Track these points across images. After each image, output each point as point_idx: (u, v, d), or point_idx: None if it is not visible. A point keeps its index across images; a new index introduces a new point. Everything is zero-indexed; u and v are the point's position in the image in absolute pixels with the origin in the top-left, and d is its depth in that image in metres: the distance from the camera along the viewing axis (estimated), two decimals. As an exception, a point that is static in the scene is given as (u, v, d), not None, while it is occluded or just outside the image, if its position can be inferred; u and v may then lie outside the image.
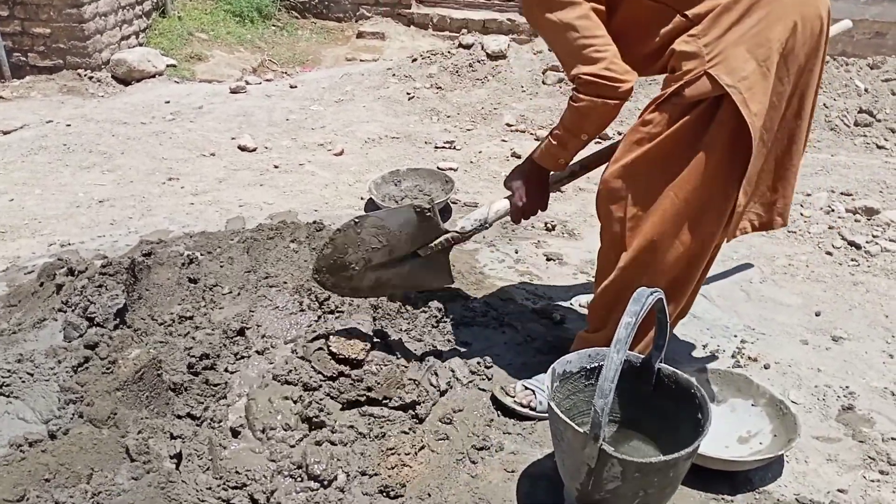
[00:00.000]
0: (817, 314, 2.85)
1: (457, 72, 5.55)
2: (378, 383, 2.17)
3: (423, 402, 2.19)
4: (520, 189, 2.21)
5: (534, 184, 2.20)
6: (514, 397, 2.24)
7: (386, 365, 2.22)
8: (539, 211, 2.25)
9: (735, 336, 2.70)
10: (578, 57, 1.90)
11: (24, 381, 2.14)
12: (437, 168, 4.08)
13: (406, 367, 2.24)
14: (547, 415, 1.99)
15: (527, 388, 2.26)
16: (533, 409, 2.22)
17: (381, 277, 2.32)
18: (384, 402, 2.16)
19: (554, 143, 2.04)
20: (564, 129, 2.01)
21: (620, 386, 1.73)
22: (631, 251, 2.00)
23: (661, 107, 1.89)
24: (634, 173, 1.95)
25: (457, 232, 2.29)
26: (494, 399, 2.27)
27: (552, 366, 1.91)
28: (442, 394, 2.29)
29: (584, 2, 1.91)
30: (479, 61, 5.60)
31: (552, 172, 2.20)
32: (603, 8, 1.95)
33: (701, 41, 1.84)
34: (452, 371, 2.38)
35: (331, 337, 2.26)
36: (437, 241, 2.28)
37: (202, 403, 2.16)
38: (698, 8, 1.87)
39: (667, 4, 1.91)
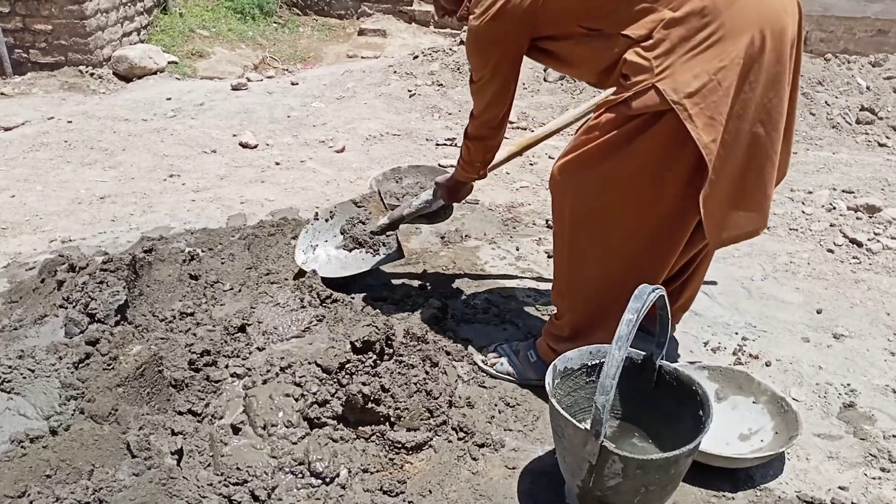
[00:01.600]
0: (819, 312, 2.84)
1: (458, 69, 5.55)
2: (402, 415, 2.10)
3: (439, 434, 2.16)
4: (448, 195, 2.71)
5: (459, 191, 2.70)
6: (484, 359, 2.44)
7: (412, 395, 2.14)
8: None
9: (736, 333, 2.69)
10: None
11: (25, 378, 2.15)
12: (439, 165, 4.07)
13: (429, 392, 2.17)
14: (508, 377, 2.38)
15: (495, 351, 2.46)
16: (492, 368, 2.41)
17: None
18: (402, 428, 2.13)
19: (462, 167, 2.51)
20: (464, 159, 2.47)
21: (622, 383, 1.73)
22: (577, 244, 2.10)
23: (609, 111, 1.92)
24: (574, 170, 2.02)
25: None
26: (472, 361, 2.46)
27: (553, 362, 1.91)
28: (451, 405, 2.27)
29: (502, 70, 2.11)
30: (480, 58, 5.60)
31: None
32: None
33: (651, 53, 1.83)
34: (454, 367, 2.38)
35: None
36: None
37: (203, 400, 2.16)
38: (636, 28, 1.85)
39: (601, 32, 1.93)
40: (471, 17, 2.08)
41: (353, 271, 2.81)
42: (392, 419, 2.08)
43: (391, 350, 2.20)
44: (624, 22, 1.88)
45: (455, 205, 3.65)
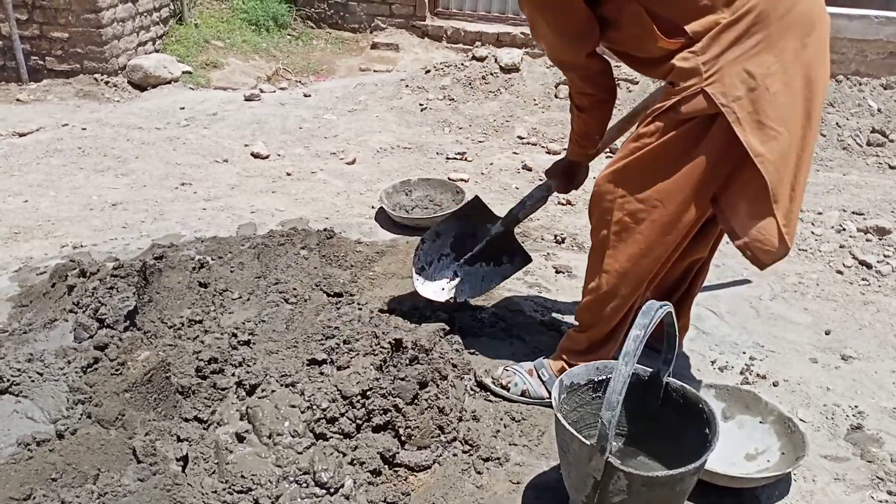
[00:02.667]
0: (827, 333, 2.83)
1: (470, 84, 5.58)
2: (412, 434, 2.09)
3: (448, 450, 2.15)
4: (562, 180, 2.56)
5: (573, 174, 2.55)
6: (494, 379, 2.39)
7: (424, 412, 2.13)
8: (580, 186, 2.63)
9: (744, 353, 2.69)
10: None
11: (33, 381, 2.16)
12: (448, 179, 4.09)
13: (441, 409, 2.16)
14: (521, 398, 2.34)
15: (506, 371, 2.40)
16: (507, 390, 2.36)
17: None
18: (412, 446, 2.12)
19: (576, 143, 2.36)
20: (577, 132, 2.32)
21: (628, 400, 1.72)
22: (617, 257, 2.07)
23: (658, 119, 1.93)
24: (625, 179, 2.00)
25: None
26: (479, 383, 2.41)
27: (559, 377, 1.91)
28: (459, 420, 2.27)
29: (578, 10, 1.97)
30: (492, 74, 5.63)
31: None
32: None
33: (700, 58, 1.84)
34: (461, 379, 2.38)
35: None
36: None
37: (209, 407, 2.17)
38: (694, 25, 1.86)
39: (666, 19, 1.90)
40: None
41: (494, 284, 2.77)
42: (403, 438, 2.08)
43: (422, 353, 2.21)
44: (684, 14, 1.87)
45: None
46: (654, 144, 1.93)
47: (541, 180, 4.24)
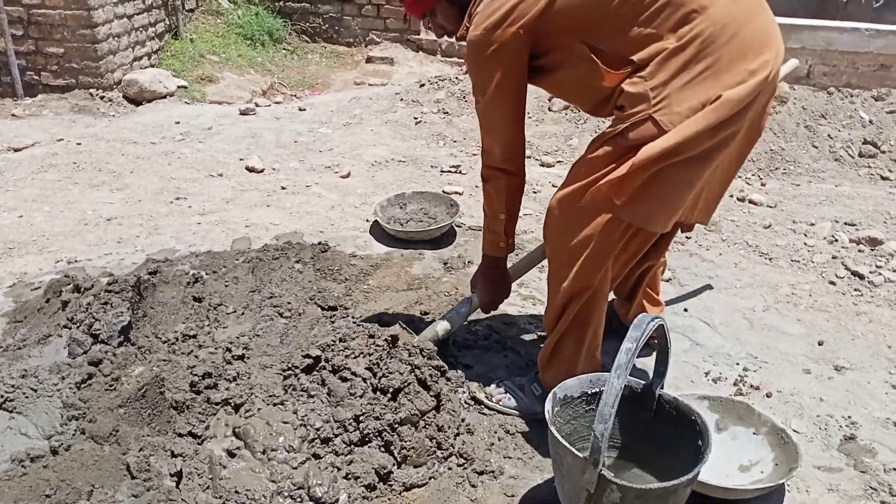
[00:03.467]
0: (820, 343, 2.84)
1: (464, 97, 5.60)
2: (409, 454, 2.08)
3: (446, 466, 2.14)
4: (483, 286, 2.51)
5: (492, 277, 2.49)
6: (488, 394, 2.40)
7: (421, 429, 2.12)
8: (504, 299, 2.57)
9: (737, 364, 2.69)
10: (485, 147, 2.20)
11: (27, 397, 2.16)
12: (443, 192, 4.11)
13: (440, 427, 2.15)
14: (514, 412, 2.34)
15: (499, 387, 2.41)
16: (498, 404, 2.38)
17: None
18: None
19: (486, 231, 2.36)
20: (485, 215, 2.33)
21: (621, 412, 1.73)
22: (571, 274, 2.08)
23: (606, 144, 1.95)
24: (575, 202, 2.01)
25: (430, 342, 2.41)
26: (473, 397, 2.41)
27: (553, 390, 1.91)
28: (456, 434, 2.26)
29: (510, 82, 2.03)
30: (486, 87, 5.65)
31: (509, 266, 2.53)
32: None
33: (648, 83, 1.85)
34: (455, 392, 2.38)
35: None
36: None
37: (203, 422, 2.17)
38: (640, 54, 1.87)
39: (610, 53, 1.92)
40: (470, 28, 2.03)
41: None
42: (398, 459, 2.07)
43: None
44: (629, 45, 1.88)
45: (458, 230, 3.68)
46: (602, 171, 1.94)
47: (535, 192, 4.27)
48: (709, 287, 3.22)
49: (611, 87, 1.94)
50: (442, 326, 2.52)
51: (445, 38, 2.36)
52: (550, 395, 1.88)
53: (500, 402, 2.37)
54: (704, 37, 1.81)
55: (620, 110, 1.92)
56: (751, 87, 1.83)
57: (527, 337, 2.79)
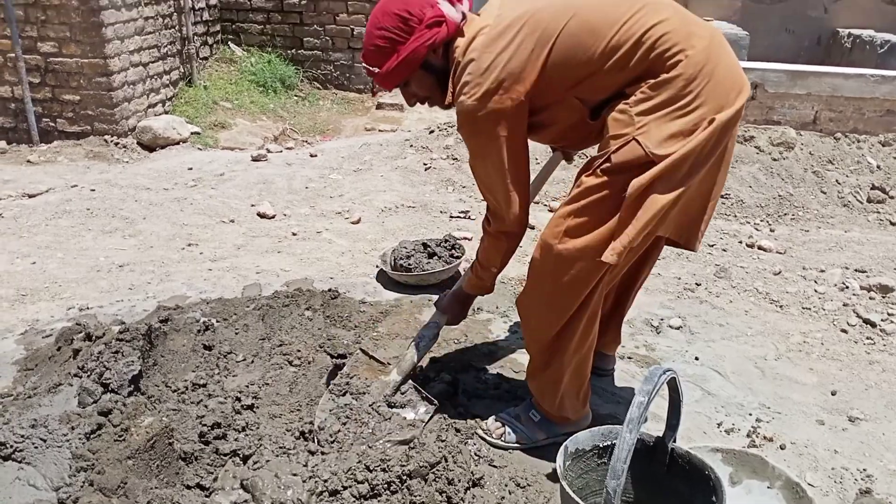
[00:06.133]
0: (833, 393, 2.81)
1: (473, 143, 5.66)
2: None
3: None
4: (454, 313, 2.58)
5: (464, 307, 2.60)
6: (486, 430, 2.41)
7: (431, 483, 2.08)
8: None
9: (750, 414, 2.67)
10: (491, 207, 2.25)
11: (36, 447, 2.15)
12: (451, 235, 4.11)
13: (450, 480, 2.11)
14: (517, 446, 2.36)
15: (497, 420, 2.42)
16: (500, 439, 2.39)
17: None
18: None
19: (474, 274, 2.41)
20: (478, 260, 2.38)
21: (633, 466, 1.71)
22: (556, 302, 2.12)
23: (591, 175, 2.00)
24: (566, 229, 2.04)
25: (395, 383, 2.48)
26: (475, 433, 2.43)
27: (564, 444, 1.90)
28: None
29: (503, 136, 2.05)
30: (494, 133, 5.71)
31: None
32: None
33: (633, 109, 1.94)
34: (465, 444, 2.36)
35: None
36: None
37: (212, 474, 2.16)
38: (630, 88, 1.98)
39: (588, 102, 2.05)
40: (462, 97, 2.04)
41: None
42: None
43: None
44: (618, 89, 2.00)
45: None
46: (592, 198, 1.99)
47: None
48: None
49: (599, 126, 2.05)
50: (411, 356, 2.52)
51: (418, 104, 2.36)
52: (562, 449, 1.87)
53: (503, 439, 2.38)
54: (687, 75, 1.92)
55: (605, 135, 2.00)
56: (734, 111, 1.95)
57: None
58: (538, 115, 2.10)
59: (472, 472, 2.16)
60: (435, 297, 3.44)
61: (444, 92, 2.16)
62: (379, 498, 2.04)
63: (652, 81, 1.93)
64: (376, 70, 2.16)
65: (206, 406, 2.42)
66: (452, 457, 2.16)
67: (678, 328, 3.23)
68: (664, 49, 1.93)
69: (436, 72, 2.16)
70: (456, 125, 2.20)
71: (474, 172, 2.23)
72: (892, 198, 4.80)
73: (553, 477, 2.26)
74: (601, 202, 1.98)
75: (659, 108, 1.92)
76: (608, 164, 1.96)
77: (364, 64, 2.20)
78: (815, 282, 3.75)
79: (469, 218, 4.60)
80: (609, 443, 1.93)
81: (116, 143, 5.88)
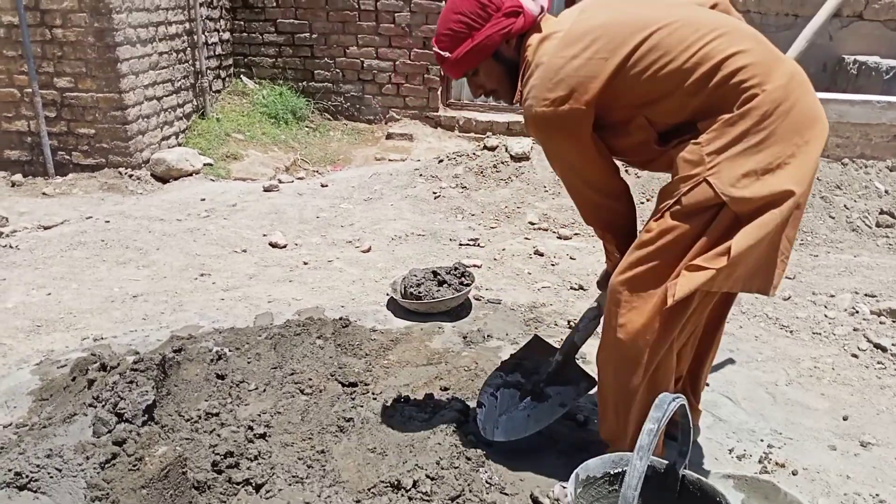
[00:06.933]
0: (845, 418, 2.80)
1: (481, 172, 5.72)
2: None
3: None
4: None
5: None
6: (553, 499, 2.28)
7: None
8: None
9: (762, 440, 2.66)
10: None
11: (52, 477, 2.18)
12: (461, 263, 4.14)
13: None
14: None
15: (564, 488, 2.31)
16: None
17: None
18: None
19: (606, 257, 2.37)
20: (604, 247, 2.34)
21: (644, 493, 1.71)
22: (620, 349, 2.07)
23: (661, 219, 1.98)
24: (635, 276, 2.02)
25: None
26: (534, 500, 2.29)
27: (575, 471, 1.90)
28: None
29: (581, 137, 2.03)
30: (502, 162, 5.77)
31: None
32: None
33: (704, 149, 1.90)
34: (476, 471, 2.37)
35: None
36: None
37: (224, 503, 2.17)
38: (702, 123, 1.94)
39: (664, 125, 2.00)
40: (529, 100, 2.03)
41: (545, 423, 2.56)
42: None
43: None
44: (687, 117, 1.96)
45: (476, 303, 3.73)
46: (662, 241, 1.96)
47: (553, 265, 4.30)
48: (731, 361, 3.21)
49: (663, 150, 2.02)
50: (571, 338, 2.59)
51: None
52: (573, 476, 1.87)
53: None
54: (762, 111, 1.86)
55: (675, 175, 1.96)
56: (816, 159, 1.91)
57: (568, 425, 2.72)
58: (605, 128, 2.06)
59: (484, 500, 2.17)
60: (445, 325, 3.47)
61: (512, 86, 2.15)
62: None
63: (725, 117, 1.88)
64: (447, 55, 2.14)
65: (218, 435, 2.44)
66: (468, 485, 2.17)
67: (688, 354, 3.23)
68: (741, 80, 1.87)
69: (506, 64, 2.14)
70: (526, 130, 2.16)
71: (563, 169, 2.20)
72: (901, 222, 4.80)
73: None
74: (670, 246, 1.96)
75: (731, 145, 1.87)
76: (678, 207, 1.93)
77: (435, 48, 2.16)
78: (825, 307, 3.75)
79: (478, 245, 4.63)
80: (620, 470, 1.93)
81: (130, 175, 5.96)
